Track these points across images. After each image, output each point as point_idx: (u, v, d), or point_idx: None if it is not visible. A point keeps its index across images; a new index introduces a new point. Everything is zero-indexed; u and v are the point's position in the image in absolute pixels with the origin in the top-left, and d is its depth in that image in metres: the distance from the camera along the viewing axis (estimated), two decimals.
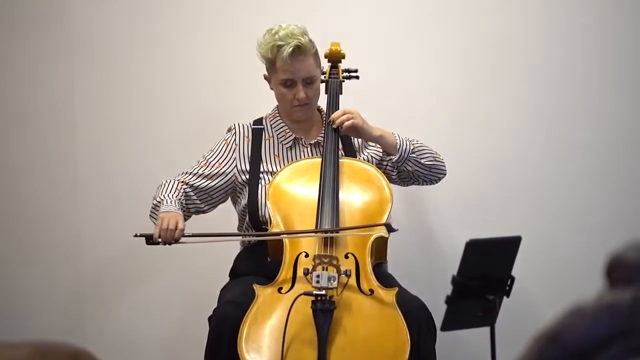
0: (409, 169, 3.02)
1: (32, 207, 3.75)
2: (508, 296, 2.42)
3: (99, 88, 3.73)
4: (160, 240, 2.78)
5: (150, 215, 2.98)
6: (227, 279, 3.07)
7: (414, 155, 3.00)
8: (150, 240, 2.78)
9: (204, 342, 2.77)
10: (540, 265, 3.54)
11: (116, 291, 3.74)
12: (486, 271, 2.35)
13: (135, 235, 2.77)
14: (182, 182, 3.02)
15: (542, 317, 1.09)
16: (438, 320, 2.49)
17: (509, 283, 2.40)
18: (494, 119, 3.63)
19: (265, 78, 3.04)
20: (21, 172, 3.75)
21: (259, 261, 2.90)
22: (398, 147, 2.98)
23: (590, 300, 1.10)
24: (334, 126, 2.93)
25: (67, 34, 3.73)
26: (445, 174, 3.10)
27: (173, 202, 2.92)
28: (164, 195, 2.94)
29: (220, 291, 2.98)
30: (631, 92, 3.61)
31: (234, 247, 3.13)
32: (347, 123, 2.91)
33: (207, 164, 3.04)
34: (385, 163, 3.04)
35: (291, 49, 2.90)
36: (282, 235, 2.81)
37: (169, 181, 3.01)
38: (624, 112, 3.61)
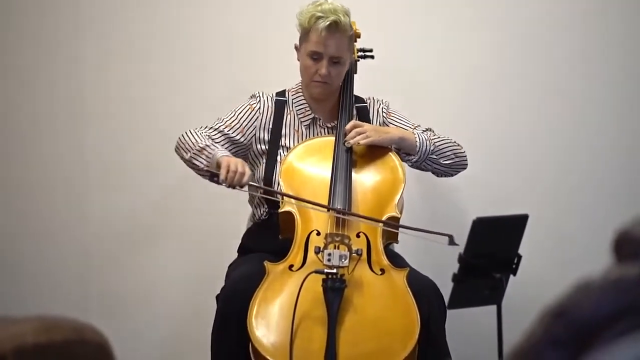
0: (427, 167, 3.00)
1: (38, 175, 3.73)
2: (515, 274, 2.39)
3: (109, 62, 3.71)
4: (226, 182, 2.69)
5: (193, 159, 2.84)
6: (235, 254, 3.03)
7: (434, 156, 2.96)
8: (214, 178, 2.69)
9: (210, 317, 2.75)
10: (547, 244, 3.52)
11: (122, 267, 3.71)
12: (493, 249, 2.32)
13: (199, 173, 2.75)
14: (208, 136, 2.93)
15: (549, 295, 1.08)
16: (446, 299, 2.47)
17: (515, 261, 2.37)
18: (504, 101, 3.62)
19: (296, 48, 2.99)
20: (29, 140, 3.74)
21: (268, 238, 2.88)
22: (418, 148, 2.93)
23: (597, 275, 1.07)
24: (349, 145, 2.86)
25: (77, 14, 3.71)
26: (465, 167, 3.06)
27: (224, 149, 2.86)
28: (207, 142, 2.86)
29: (229, 267, 2.95)
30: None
31: (242, 223, 3.11)
32: (363, 142, 2.86)
33: (231, 126, 2.97)
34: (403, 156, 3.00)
35: (328, 22, 2.86)
36: (347, 216, 2.74)
37: (196, 132, 2.91)
38: (630, 100, 3.58)
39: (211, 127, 2.96)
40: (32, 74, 3.73)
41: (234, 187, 2.71)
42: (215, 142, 2.92)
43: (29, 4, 3.72)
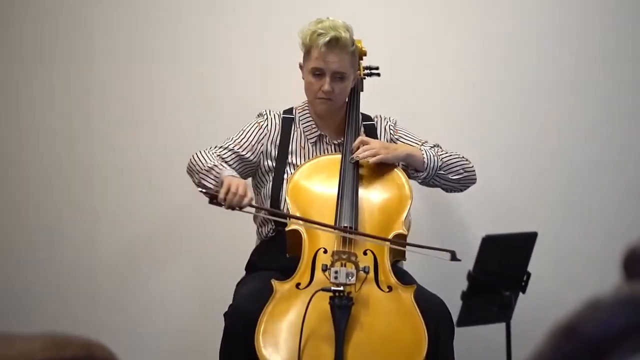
0: (436, 183, 2.99)
1: (48, 195, 3.73)
2: (524, 292, 2.38)
3: (116, 80, 3.71)
4: (224, 203, 2.69)
5: (201, 179, 2.84)
6: (243, 272, 3.02)
7: (443, 172, 2.96)
8: (214, 200, 2.69)
9: (218, 334, 2.73)
10: (557, 261, 3.50)
11: (130, 283, 3.70)
12: (502, 267, 2.31)
13: (200, 191, 2.71)
14: (218, 155, 2.93)
15: (559, 313, 1.08)
16: (454, 316, 2.45)
17: (525, 279, 2.36)
18: (511, 116, 3.60)
19: (300, 66, 2.99)
20: (39, 157, 3.74)
21: (276, 255, 2.86)
22: (426, 164, 2.93)
23: (608, 292, 1.06)
24: (355, 160, 2.86)
25: (85, 21, 3.72)
26: (474, 182, 3.05)
27: (232, 169, 2.84)
28: (215, 162, 2.86)
29: (237, 285, 2.94)
30: None
31: (251, 240, 3.09)
32: (371, 160, 2.85)
33: (240, 144, 2.97)
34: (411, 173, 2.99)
35: (328, 38, 2.86)
36: (346, 234, 2.72)
37: (206, 152, 2.92)
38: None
39: (221, 146, 2.97)
40: (35, 89, 3.75)
41: (233, 209, 2.71)
42: (226, 161, 2.93)
43: (34, 5, 3.73)
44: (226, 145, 2.97)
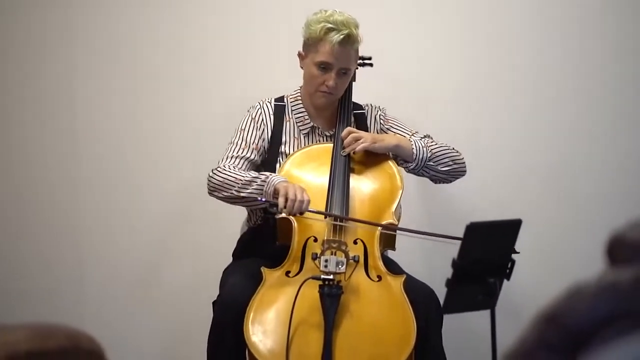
0: (425, 174, 2.94)
1: (31, 201, 3.70)
2: (508, 279, 2.36)
3: (101, 81, 3.67)
4: (284, 211, 2.62)
5: (240, 191, 2.73)
6: (229, 259, 2.97)
7: (432, 163, 2.90)
8: (274, 207, 2.63)
9: (205, 322, 2.70)
10: (541, 248, 3.49)
11: (117, 270, 3.66)
12: (487, 254, 2.28)
13: (261, 201, 2.66)
14: (234, 167, 2.82)
15: (543, 300, 1.06)
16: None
17: (509, 266, 2.34)
18: (501, 106, 3.59)
19: (300, 55, 2.91)
20: (22, 166, 3.71)
21: (263, 243, 2.82)
22: (415, 155, 2.88)
23: (591, 280, 1.04)
24: (344, 154, 2.82)
25: (68, 19, 3.67)
26: (463, 175, 2.99)
27: (277, 175, 2.75)
28: (253, 174, 2.75)
29: (223, 272, 2.89)
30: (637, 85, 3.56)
31: (237, 227, 3.06)
32: (357, 148, 2.81)
33: (247, 147, 2.87)
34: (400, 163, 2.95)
35: (343, 36, 2.79)
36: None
37: (226, 167, 2.80)
38: (628, 104, 3.56)
39: (231, 157, 2.85)
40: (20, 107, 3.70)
41: (294, 215, 2.65)
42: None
43: (23, 5, 3.68)
44: (234, 154, 2.85)
